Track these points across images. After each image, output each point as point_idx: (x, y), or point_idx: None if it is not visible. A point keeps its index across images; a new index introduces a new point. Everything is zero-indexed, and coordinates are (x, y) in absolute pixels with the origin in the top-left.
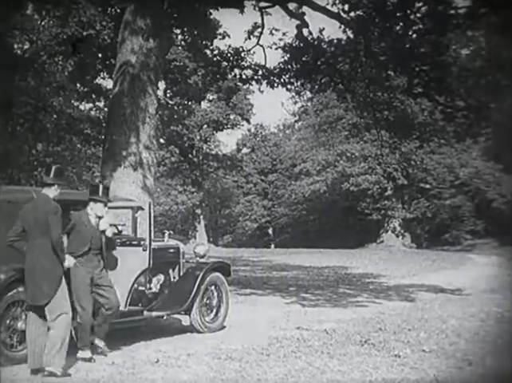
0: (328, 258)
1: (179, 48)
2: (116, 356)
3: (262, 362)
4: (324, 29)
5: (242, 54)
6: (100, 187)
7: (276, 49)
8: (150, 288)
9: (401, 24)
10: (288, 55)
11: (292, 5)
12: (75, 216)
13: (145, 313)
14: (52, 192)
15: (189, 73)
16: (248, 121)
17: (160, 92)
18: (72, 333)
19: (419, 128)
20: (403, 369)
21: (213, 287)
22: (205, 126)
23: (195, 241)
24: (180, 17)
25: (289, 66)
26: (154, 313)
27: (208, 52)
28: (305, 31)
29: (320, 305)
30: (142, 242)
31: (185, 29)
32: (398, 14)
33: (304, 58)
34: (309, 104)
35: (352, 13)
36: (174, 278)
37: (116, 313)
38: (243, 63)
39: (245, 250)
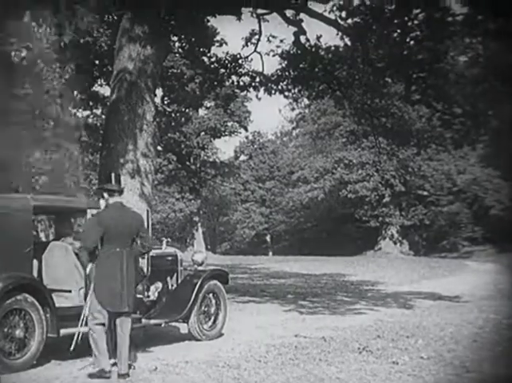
0: (325, 265)
1: (177, 55)
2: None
3: (260, 370)
4: (321, 36)
5: (240, 61)
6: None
7: (273, 55)
8: (148, 296)
9: (398, 31)
10: (285, 62)
11: (289, 12)
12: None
13: (143, 320)
14: (120, 199)
15: (186, 80)
16: (245, 128)
17: (158, 100)
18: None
19: (417, 134)
20: (401, 376)
21: (211, 295)
22: (202, 133)
23: (193, 248)
24: (177, 24)
25: (287, 73)
26: (152, 321)
27: (206, 59)
28: (302, 38)
29: (318, 312)
30: None
31: (182, 36)
32: (395, 21)
33: (301, 65)
34: (306, 111)
35: (349, 20)
36: (172, 285)
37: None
38: (241, 70)
39: (243, 258)
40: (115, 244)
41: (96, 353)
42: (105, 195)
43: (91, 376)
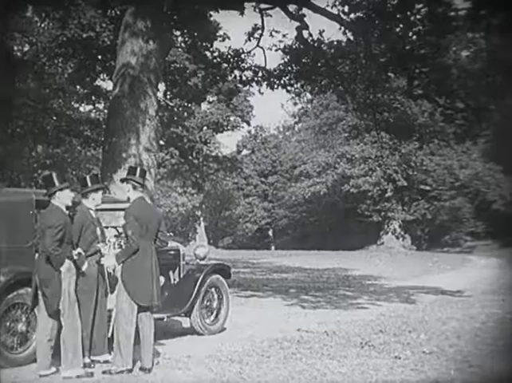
0: (328, 259)
1: (179, 50)
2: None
3: (263, 364)
4: (324, 30)
5: (242, 56)
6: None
7: (276, 50)
8: None
9: (401, 25)
10: (288, 57)
11: (292, 7)
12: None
13: None
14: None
15: (189, 74)
16: (248, 123)
17: (160, 94)
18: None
19: (419, 129)
20: (404, 370)
21: (213, 289)
22: (205, 128)
23: (195, 243)
24: (180, 18)
25: (289, 68)
26: (154, 316)
27: (208, 54)
28: (305, 33)
29: (321, 307)
30: None
31: (185, 30)
32: (398, 16)
33: (304, 60)
34: (308, 105)
35: (352, 15)
36: (174, 280)
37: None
38: (243, 65)
39: (245, 252)
40: (145, 240)
41: (122, 351)
42: (129, 187)
43: (105, 372)
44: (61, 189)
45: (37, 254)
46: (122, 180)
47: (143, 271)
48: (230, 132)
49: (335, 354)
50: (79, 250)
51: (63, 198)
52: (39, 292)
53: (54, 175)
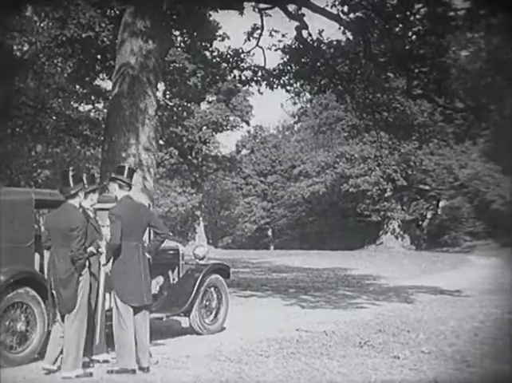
0: (327, 259)
1: (179, 49)
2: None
3: (262, 364)
4: (323, 30)
5: (242, 56)
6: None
7: (275, 50)
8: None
9: (400, 25)
10: (287, 56)
11: (291, 7)
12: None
13: None
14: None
15: (188, 74)
16: (247, 123)
17: (160, 94)
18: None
19: (419, 129)
20: (403, 370)
21: (212, 289)
22: (204, 127)
23: (195, 242)
24: (180, 18)
25: (289, 67)
26: (153, 315)
27: (208, 53)
28: (304, 32)
29: (320, 306)
30: None
31: (184, 30)
32: (397, 16)
33: (303, 60)
34: (308, 105)
35: (351, 15)
36: (173, 279)
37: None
38: (243, 64)
39: (244, 252)
40: (131, 239)
41: (122, 351)
42: (115, 186)
43: (109, 372)
44: (81, 189)
45: (35, 254)
46: (110, 179)
47: (131, 272)
48: (230, 132)
49: (334, 354)
50: (91, 248)
51: (79, 197)
52: (54, 292)
53: (70, 174)
